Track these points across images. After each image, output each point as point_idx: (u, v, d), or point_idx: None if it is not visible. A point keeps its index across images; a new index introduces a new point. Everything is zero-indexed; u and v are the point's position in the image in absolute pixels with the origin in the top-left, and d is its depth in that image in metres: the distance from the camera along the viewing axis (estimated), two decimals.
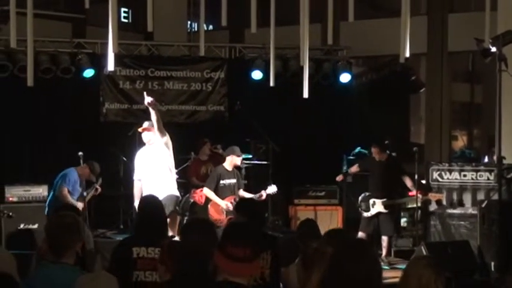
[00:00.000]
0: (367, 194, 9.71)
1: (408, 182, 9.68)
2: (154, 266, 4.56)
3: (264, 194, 9.18)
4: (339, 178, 10.32)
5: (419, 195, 9.64)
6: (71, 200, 9.00)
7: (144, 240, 4.79)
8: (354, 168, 10.12)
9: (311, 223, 5.80)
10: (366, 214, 9.64)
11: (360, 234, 9.49)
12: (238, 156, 9.01)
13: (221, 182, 8.87)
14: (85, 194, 9.43)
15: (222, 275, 3.07)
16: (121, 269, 4.49)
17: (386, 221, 9.61)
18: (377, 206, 9.59)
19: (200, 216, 9.45)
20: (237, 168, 9.21)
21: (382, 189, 9.62)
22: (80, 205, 8.93)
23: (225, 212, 8.81)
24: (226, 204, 8.77)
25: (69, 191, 9.13)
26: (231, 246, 3.06)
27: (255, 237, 3.20)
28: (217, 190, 8.86)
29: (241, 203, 6.06)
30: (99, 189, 9.75)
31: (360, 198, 9.79)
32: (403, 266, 8.43)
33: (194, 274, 3.54)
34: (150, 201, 5.36)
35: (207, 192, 8.96)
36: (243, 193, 9.08)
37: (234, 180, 8.98)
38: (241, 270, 3.05)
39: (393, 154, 11.49)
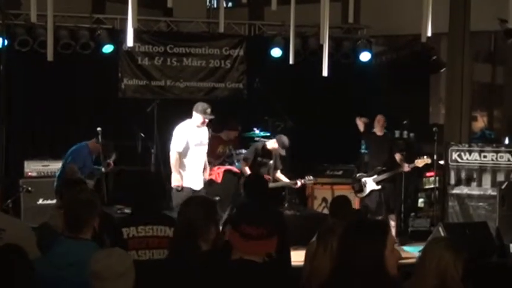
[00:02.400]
0: (358, 175, 9.77)
1: (397, 157, 9.66)
2: (147, 244, 4.58)
3: (299, 182, 9.24)
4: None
5: (407, 166, 9.56)
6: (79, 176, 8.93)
7: (133, 219, 4.79)
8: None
9: (344, 200, 5.76)
10: (360, 195, 9.69)
11: None
12: (284, 146, 9.09)
13: (258, 158, 8.99)
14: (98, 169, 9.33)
15: (237, 253, 3.07)
16: None
17: (384, 198, 9.60)
18: (369, 185, 9.62)
19: (216, 194, 9.53)
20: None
21: (376, 165, 9.65)
22: (89, 182, 8.65)
23: None
24: None
25: (79, 168, 8.97)
26: (245, 224, 3.06)
27: (269, 216, 3.19)
28: (253, 166, 8.95)
29: (247, 181, 6.06)
30: (111, 165, 9.61)
31: (351, 180, 9.87)
32: (412, 248, 8.47)
33: (186, 251, 3.53)
34: (142, 179, 5.37)
35: (242, 166, 9.05)
36: (279, 176, 9.18)
37: (271, 161, 9.03)
38: (255, 248, 3.05)
39: (411, 134, 11.45)
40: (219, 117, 10.75)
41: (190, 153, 8.27)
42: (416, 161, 9.62)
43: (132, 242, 4.62)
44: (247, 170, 9.03)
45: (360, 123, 10.03)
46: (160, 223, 4.60)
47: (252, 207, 3.39)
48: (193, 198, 4.49)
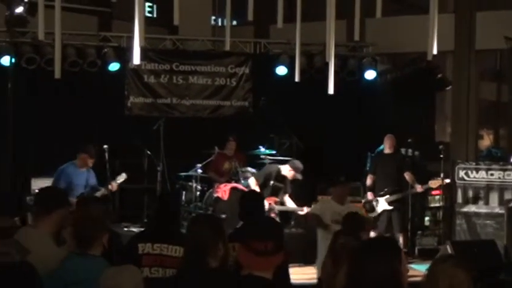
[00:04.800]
0: (369, 196, 9.75)
1: (408, 177, 9.61)
2: (161, 262, 4.57)
3: (305, 209, 9.24)
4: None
5: (420, 187, 9.55)
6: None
7: (150, 236, 4.78)
8: (369, 181, 10.02)
9: (356, 217, 5.76)
10: (371, 215, 9.65)
11: (372, 234, 9.46)
12: (296, 171, 9.14)
13: (270, 181, 9.01)
14: (97, 188, 8.98)
15: (246, 269, 3.06)
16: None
17: (394, 218, 9.59)
18: (381, 205, 9.58)
19: (222, 212, 9.52)
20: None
21: (386, 185, 9.61)
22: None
23: None
24: (269, 204, 8.86)
25: (66, 188, 8.41)
26: (253, 240, 3.06)
27: (276, 232, 3.18)
28: (262, 187, 8.96)
29: (243, 197, 6.07)
30: (114, 187, 9.21)
31: (363, 200, 9.82)
32: (419, 266, 8.43)
33: (196, 268, 3.51)
34: (161, 197, 5.37)
35: (252, 182, 9.07)
36: (287, 199, 9.19)
37: (281, 184, 9.11)
38: (262, 264, 3.04)
39: (416, 152, 11.45)
40: (223, 135, 10.84)
41: None
42: (430, 182, 9.63)
43: (146, 258, 4.62)
44: (257, 189, 9.01)
45: (369, 180, 9.96)
46: (176, 243, 4.59)
47: (259, 223, 3.36)
48: (200, 216, 4.48)
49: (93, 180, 8.94)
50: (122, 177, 9.29)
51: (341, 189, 7.54)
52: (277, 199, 9.04)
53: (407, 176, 9.69)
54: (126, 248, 4.82)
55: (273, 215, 8.86)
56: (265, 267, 3.05)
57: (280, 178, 9.23)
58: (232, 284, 3.09)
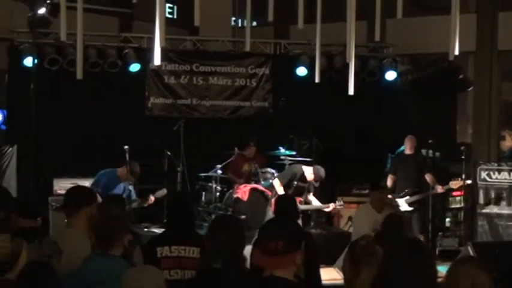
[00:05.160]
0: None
1: (428, 178, 9.54)
2: (179, 264, 4.59)
3: (331, 206, 9.23)
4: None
5: (441, 188, 9.46)
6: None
7: (168, 238, 4.81)
8: (390, 181, 9.95)
9: (396, 219, 5.69)
10: None
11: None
12: (320, 175, 9.16)
13: (294, 182, 9.01)
14: (134, 199, 9.00)
15: (267, 270, 3.06)
16: None
17: (414, 219, 9.52)
18: (401, 207, 9.53)
19: (242, 212, 9.54)
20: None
21: (406, 186, 9.55)
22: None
23: None
24: None
25: (99, 193, 8.82)
26: (264, 239, 3.06)
27: (288, 230, 3.15)
28: (287, 188, 8.96)
29: (278, 200, 6.07)
30: (151, 201, 9.16)
31: None
32: (441, 267, 8.38)
33: (224, 271, 3.51)
34: (177, 199, 5.39)
35: (276, 184, 9.11)
36: (311, 198, 9.19)
37: (305, 184, 9.13)
38: (274, 263, 3.02)
39: (437, 153, 11.37)
40: (244, 136, 10.85)
41: None
42: (451, 182, 9.55)
43: (164, 261, 4.65)
44: (281, 189, 9.02)
45: (390, 181, 9.89)
46: (193, 244, 4.62)
47: (272, 223, 3.35)
48: (225, 217, 4.49)
49: (131, 193, 8.93)
50: (162, 193, 9.25)
51: (379, 195, 7.39)
52: (301, 199, 9.04)
53: (428, 177, 9.62)
54: (145, 252, 4.84)
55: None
56: (278, 266, 3.03)
57: (303, 178, 9.23)
58: (255, 285, 3.08)
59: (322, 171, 9.23)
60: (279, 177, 9.26)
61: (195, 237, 4.79)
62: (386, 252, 3.11)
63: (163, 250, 4.68)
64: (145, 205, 9.12)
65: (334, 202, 9.44)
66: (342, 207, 9.54)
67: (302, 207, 9.10)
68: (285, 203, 5.67)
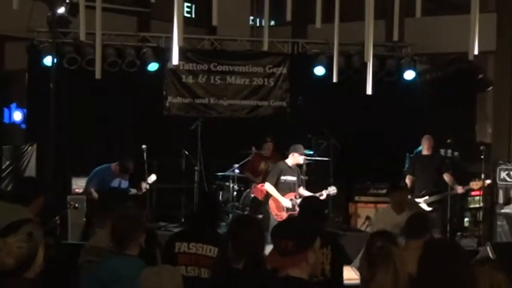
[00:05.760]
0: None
1: (447, 178, 9.46)
2: (197, 261, 4.60)
3: (324, 193, 9.10)
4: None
5: (461, 188, 9.38)
6: (95, 196, 8.84)
7: (187, 235, 4.83)
8: (408, 182, 9.86)
9: (421, 217, 5.58)
10: None
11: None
12: (301, 154, 8.95)
13: (281, 178, 8.86)
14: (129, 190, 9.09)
15: (282, 271, 3.05)
16: (165, 263, 4.52)
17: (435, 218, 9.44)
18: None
19: (259, 212, 9.51)
20: (298, 165, 9.17)
21: (424, 187, 9.47)
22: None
23: (285, 208, 8.79)
24: (291, 200, 8.78)
25: (97, 188, 8.86)
26: (275, 239, 3.06)
27: (297, 230, 3.14)
28: (277, 186, 8.85)
29: (303, 201, 6.02)
30: (144, 188, 9.27)
31: None
32: None
33: (245, 272, 3.51)
34: (202, 198, 5.41)
35: (268, 187, 8.95)
36: (302, 191, 9.04)
37: (294, 178, 8.95)
38: (285, 263, 3.02)
39: (455, 153, 11.30)
40: (261, 135, 10.86)
41: None
42: (471, 183, 9.43)
43: (182, 257, 4.67)
44: (275, 191, 8.89)
45: (408, 181, 9.80)
46: (212, 243, 4.63)
47: (284, 222, 3.33)
48: (241, 218, 4.49)
49: (125, 184, 9.04)
50: (151, 178, 9.36)
51: (400, 196, 6.97)
52: (295, 194, 8.94)
53: (446, 177, 9.55)
54: (164, 246, 4.88)
55: (297, 209, 8.79)
56: (289, 266, 3.02)
57: (292, 170, 9.04)
58: (275, 286, 3.07)
59: (297, 145, 9.07)
60: (268, 180, 9.04)
61: (214, 236, 4.80)
62: (422, 254, 3.10)
63: (182, 246, 4.71)
64: (140, 193, 9.22)
65: (327, 189, 9.24)
66: (334, 192, 9.30)
67: (299, 200, 8.98)
68: (310, 205, 5.60)
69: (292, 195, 8.86)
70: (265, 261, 3.28)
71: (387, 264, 3.29)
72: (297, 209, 8.76)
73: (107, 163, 9.22)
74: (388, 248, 3.44)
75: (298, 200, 8.93)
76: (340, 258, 5.07)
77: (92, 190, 8.86)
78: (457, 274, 2.89)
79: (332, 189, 9.20)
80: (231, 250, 3.53)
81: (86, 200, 8.94)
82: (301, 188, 9.10)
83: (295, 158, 8.91)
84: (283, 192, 8.83)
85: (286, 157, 9.09)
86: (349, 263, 7.82)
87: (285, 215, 8.70)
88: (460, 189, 9.47)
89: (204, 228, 4.84)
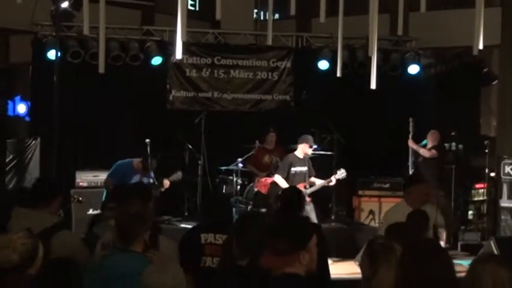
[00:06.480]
0: None
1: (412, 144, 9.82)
2: None
3: (333, 179, 9.17)
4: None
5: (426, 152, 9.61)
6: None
7: (212, 226, 4.85)
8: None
9: (421, 215, 5.53)
10: None
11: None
12: (310, 146, 9.03)
13: (292, 169, 8.97)
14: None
15: (276, 271, 3.04)
16: (189, 254, 4.54)
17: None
18: None
19: (263, 206, 9.53)
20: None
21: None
22: None
23: None
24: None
25: (116, 183, 8.54)
26: (270, 239, 3.06)
27: (292, 230, 3.12)
28: (288, 178, 8.92)
29: (281, 193, 6.05)
30: (166, 185, 9.22)
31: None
32: (463, 261, 8.33)
33: (250, 269, 3.50)
34: (217, 190, 5.42)
35: (278, 179, 9.03)
36: (314, 180, 9.12)
37: (305, 168, 9.05)
38: (277, 263, 3.01)
39: (460, 146, 11.31)
40: (264, 129, 10.85)
41: None
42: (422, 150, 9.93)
43: (209, 247, 4.71)
44: (284, 183, 8.95)
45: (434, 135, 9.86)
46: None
47: (277, 223, 3.31)
48: (248, 215, 4.49)
49: (146, 181, 8.88)
50: (176, 176, 9.25)
51: (424, 187, 6.31)
52: (306, 184, 9.00)
53: (411, 143, 9.80)
54: (188, 237, 4.88)
55: (307, 199, 8.83)
56: (282, 267, 3.01)
57: (302, 161, 9.09)
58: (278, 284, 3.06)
59: (305, 136, 9.06)
60: (279, 172, 9.15)
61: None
62: (404, 252, 3.09)
63: (208, 237, 4.74)
64: (162, 190, 9.15)
65: (336, 173, 9.28)
66: (344, 175, 9.32)
67: (308, 190, 9.04)
68: (289, 196, 5.65)
69: (302, 185, 8.90)
70: None
71: (389, 261, 3.29)
72: (308, 199, 8.84)
73: (111, 157, 9.22)
74: (390, 245, 3.44)
75: (309, 190, 9.00)
76: (324, 250, 5.07)
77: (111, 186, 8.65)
78: (439, 274, 2.88)
79: (341, 173, 9.26)
80: (236, 247, 3.53)
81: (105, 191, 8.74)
82: (312, 177, 9.17)
83: (304, 149, 8.98)
84: (295, 184, 8.87)
85: (291, 150, 9.12)
86: (351, 256, 7.84)
87: None
88: (426, 153, 9.77)
89: (226, 220, 4.86)
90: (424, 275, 2.88)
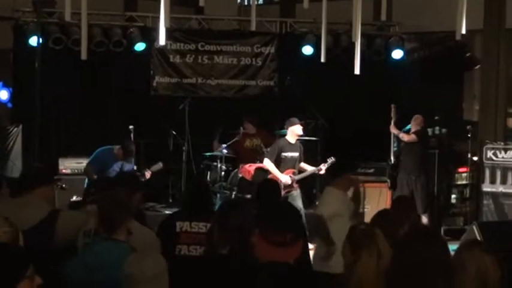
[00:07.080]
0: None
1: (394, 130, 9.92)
2: (200, 240, 4.59)
3: (323, 167, 9.14)
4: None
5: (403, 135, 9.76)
6: (93, 177, 8.53)
7: (188, 214, 4.83)
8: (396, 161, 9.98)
9: (406, 201, 5.56)
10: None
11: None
12: (297, 124, 8.92)
13: (282, 154, 8.90)
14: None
15: (264, 259, 3.04)
16: (164, 242, 4.52)
17: (419, 197, 9.56)
18: None
19: (247, 191, 9.53)
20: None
21: (410, 166, 9.57)
22: None
23: (282, 185, 8.77)
24: (290, 176, 8.80)
25: (98, 170, 8.59)
26: (272, 231, 3.02)
27: (296, 221, 3.15)
28: (278, 162, 8.87)
29: (260, 185, 6.05)
30: (147, 176, 8.98)
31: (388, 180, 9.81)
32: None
33: (231, 258, 3.49)
34: (196, 177, 5.42)
35: (267, 163, 8.98)
36: (304, 165, 9.09)
37: (296, 154, 8.96)
38: (281, 254, 3.01)
39: (443, 130, 11.38)
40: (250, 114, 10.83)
41: None
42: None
43: (184, 235, 4.70)
44: (273, 167, 8.92)
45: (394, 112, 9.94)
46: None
47: (277, 214, 3.29)
48: (229, 202, 4.49)
49: (129, 167, 8.85)
50: (157, 166, 9.18)
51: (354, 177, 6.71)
52: (294, 170, 8.99)
53: (392, 129, 9.85)
54: (164, 225, 4.87)
55: (295, 185, 8.83)
56: (284, 257, 3.02)
57: (293, 146, 9.06)
58: (261, 272, 3.05)
59: (292, 119, 9.05)
60: (268, 156, 9.10)
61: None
62: (401, 240, 3.13)
63: (184, 225, 4.73)
64: (143, 180, 9.06)
65: (325, 162, 9.27)
66: (333, 162, 9.29)
67: (297, 177, 9.03)
68: (267, 188, 5.68)
69: (291, 171, 8.89)
70: (254, 246, 3.27)
71: (371, 247, 3.30)
72: (295, 185, 8.84)
73: (94, 144, 9.16)
74: (372, 230, 3.45)
75: (297, 176, 8.98)
76: (305, 236, 5.09)
77: (93, 175, 8.58)
78: (437, 263, 2.93)
79: (331, 160, 9.20)
80: (217, 235, 3.51)
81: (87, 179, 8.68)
82: (302, 163, 9.14)
83: (294, 130, 8.92)
84: (284, 169, 8.85)
85: (275, 135, 9.08)
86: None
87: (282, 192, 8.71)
88: (403, 136, 9.92)
89: (203, 207, 4.85)
90: (421, 260, 2.92)
